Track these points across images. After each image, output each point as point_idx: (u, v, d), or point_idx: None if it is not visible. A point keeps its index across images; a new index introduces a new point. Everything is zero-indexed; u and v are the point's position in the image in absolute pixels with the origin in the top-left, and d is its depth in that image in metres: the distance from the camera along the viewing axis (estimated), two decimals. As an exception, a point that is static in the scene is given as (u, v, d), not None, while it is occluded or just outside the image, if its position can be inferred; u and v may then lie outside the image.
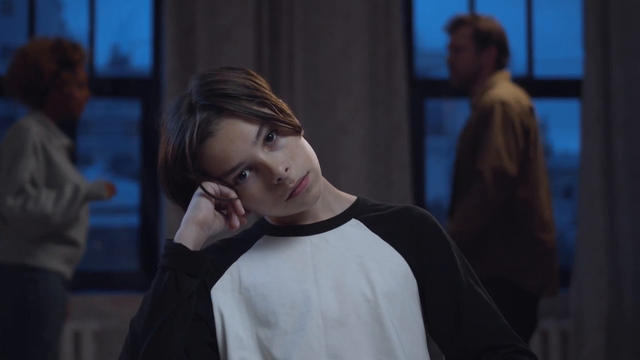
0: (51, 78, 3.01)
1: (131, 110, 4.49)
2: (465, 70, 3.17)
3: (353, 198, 1.47)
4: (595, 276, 3.71)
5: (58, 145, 3.03)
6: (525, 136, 3.03)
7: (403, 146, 3.96)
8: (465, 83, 3.20)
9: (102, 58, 5.89)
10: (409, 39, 4.16)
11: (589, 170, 3.76)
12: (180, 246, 1.32)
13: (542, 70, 3.33)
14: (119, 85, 4.29)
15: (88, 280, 3.97)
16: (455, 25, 3.21)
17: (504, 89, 3.09)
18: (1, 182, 2.92)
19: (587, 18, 3.86)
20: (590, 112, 3.81)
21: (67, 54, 3.04)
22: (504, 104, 3.00)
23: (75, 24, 5.94)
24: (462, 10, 4.12)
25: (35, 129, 2.96)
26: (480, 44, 3.15)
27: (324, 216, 1.42)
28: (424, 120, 4.21)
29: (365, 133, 3.97)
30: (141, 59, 4.70)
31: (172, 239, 1.34)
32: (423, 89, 4.22)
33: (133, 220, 4.32)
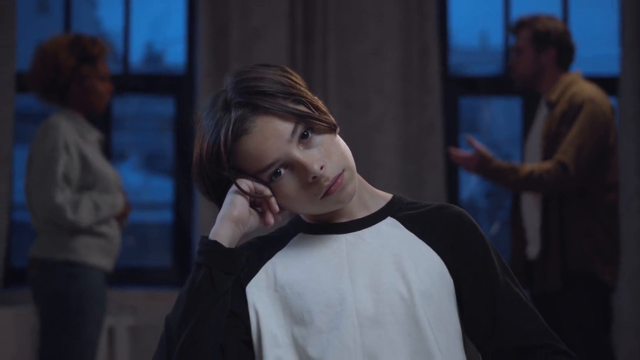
0: (70, 73, 3.01)
1: (165, 106, 4.51)
2: (524, 72, 3.24)
3: (389, 196, 1.46)
4: (631, 277, 3.65)
5: (90, 139, 3.04)
6: (605, 138, 3.10)
7: (437, 144, 3.93)
8: (527, 84, 3.28)
9: (136, 55, 5.93)
10: (443, 37, 4.13)
11: (625, 168, 3.70)
12: (216, 243, 1.32)
13: (579, 67, 3.30)
14: (152, 82, 4.31)
15: (122, 275, 3.99)
16: (517, 28, 3.27)
17: (589, 87, 3.15)
18: (36, 182, 2.93)
19: (624, 15, 3.81)
20: (627, 110, 3.75)
21: (86, 49, 3.04)
22: (594, 103, 3.07)
23: (110, 21, 5.99)
24: (495, 7, 4.09)
25: (65, 125, 2.98)
26: (538, 45, 3.20)
27: (360, 214, 1.41)
28: (458, 118, 4.18)
29: (398, 131, 3.95)
30: (175, 56, 4.72)
31: (207, 236, 1.34)
32: (457, 87, 4.19)
33: (166, 216, 4.34)
